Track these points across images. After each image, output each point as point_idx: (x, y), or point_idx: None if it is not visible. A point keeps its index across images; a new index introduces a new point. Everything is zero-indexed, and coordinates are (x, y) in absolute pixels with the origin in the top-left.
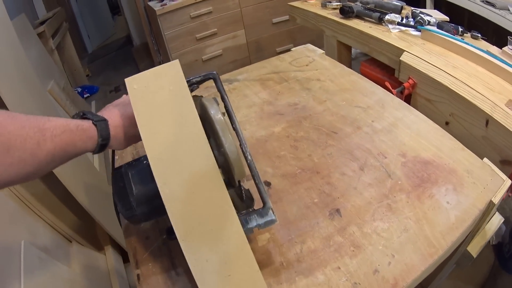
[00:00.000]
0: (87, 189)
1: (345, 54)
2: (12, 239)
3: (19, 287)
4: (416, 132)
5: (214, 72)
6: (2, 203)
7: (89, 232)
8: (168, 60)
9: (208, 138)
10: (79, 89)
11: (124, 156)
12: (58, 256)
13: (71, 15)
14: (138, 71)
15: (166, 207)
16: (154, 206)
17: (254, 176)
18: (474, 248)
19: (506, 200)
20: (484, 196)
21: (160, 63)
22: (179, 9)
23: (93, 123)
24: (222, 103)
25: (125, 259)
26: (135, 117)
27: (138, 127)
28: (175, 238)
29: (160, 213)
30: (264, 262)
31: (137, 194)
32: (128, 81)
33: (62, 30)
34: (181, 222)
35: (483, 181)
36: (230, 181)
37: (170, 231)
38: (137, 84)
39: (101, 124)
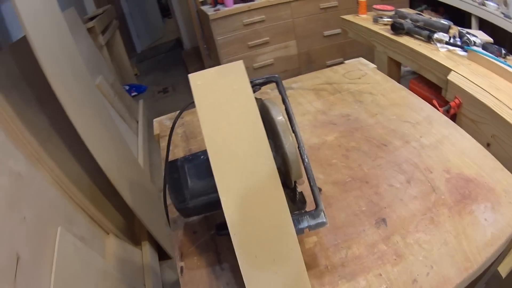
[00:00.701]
0: (131, 185)
1: (395, 70)
2: (49, 224)
3: (50, 271)
4: (460, 150)
5: (277, 75)
6: (44, 188)
7: (127, 226)
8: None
9: (267, 138)
10: (127, 87)
11: (176, 153)
12: (94, 246)
13: (120, 14)
14: (188, 74)
15: (221, 201)
16: (207, 201)
17: (310, 178)
18: (504, 269)
19: None
20: None
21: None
22: (232, 16)
23: None
24: (282, 106)
25: (161, 257)
26: (198, 113)
27: (200, 122)
28: (224, 234)
29: (211, 208)
30: (309, 264)
31: (192, 187)
32: (192, 76)
33: (112, 27)
34: (235, 217)
35: None
36: (286, 182)
37: (219, 227)
38: (201, 80)
39: None
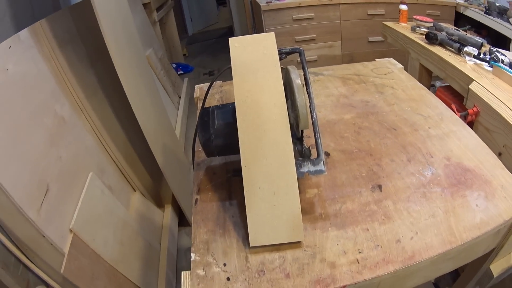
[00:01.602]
0: (164, 149)
1: (425, 78)
2: (82, 168)
3: (74, 208)
4: (464, 145)
5: (301, 48)
6: (83, 135)
7: (154, 187)
8: None
9: (286, 99)
10: (174, 65)
11: (212, 102)
12: (120, 198)
13: None
14: None
15: (239, 137)
16: (229, 142)
17: (315, 131)
18: (497, 268)
19: None
20: None
21: None
22: (283, 9)
23: None
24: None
25: (181, 223)
26: (232, 68)
27: (233, 75)
28: (238, 175)
29: (232, 150)
30: (307, 210)
31: (217, 127)
32: (232, 40)
33: (167, 7)
34: (248, 151)
35: None
36: (296, 134)
37: (236, 171)
38: (238, 43)
39: None
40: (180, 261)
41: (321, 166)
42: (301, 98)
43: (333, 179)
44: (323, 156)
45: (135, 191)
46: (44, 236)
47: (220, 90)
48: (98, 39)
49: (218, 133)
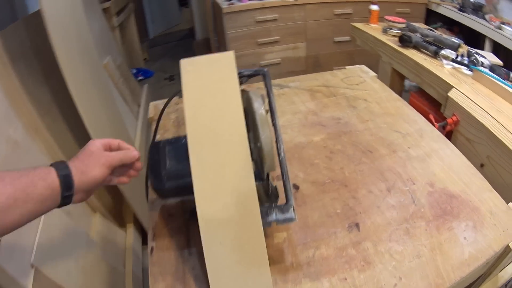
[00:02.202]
0: None
1: (397, 82)
2: None
3: (34, 240)
4: (448, 166)
5: (265, 69)
6: (38, 159)
7: (115, 207)
8: None
9: (248, 131)
10: (135, 71)
11: (166, 137)
12: (80, 222)
13: None
14: None
15: (193, 183)
16: (183, 184)
17: (283, 173)
18: None
19: None
20: (502, 239)
21: None
22: (245, 11)
23: (51, 165)
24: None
25: (144, 241)
26: (183, 97)
27: (184, 106)
28: (196, 219)
29: (187, 192)
30: (276, 258)
31: (169, 169)
32: (184, 62)
33: (127, 10)
34: (204, 202)
35: (504, 224)
36: (260, 175)
37: (193, 213)
38: (191, 66)
39: (61, 165)
40: (146, 282)
41: (290, 214)
42: (266, 135)
43: (304, 218)
44: (292, 201)
45: (95, 212)
46: (7, 275)
47: (176, 109)
48: (51, 53)
49: (170, 175)
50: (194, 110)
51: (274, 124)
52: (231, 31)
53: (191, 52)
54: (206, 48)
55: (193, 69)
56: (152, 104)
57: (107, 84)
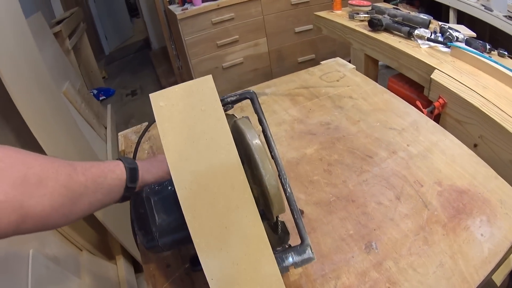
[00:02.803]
0: None
1: (372, 68)
2: (20, 247)
3: None
4: (451, 159)
5: (252, 91)
6: None
7: (100, 241)
8: (188, 66)
9: (242, 163)
10: (95, 91)
11: (141, 156)
12: (68, 265)
13: (89, 15)
14: (156, 75)
15: (195, 244)
16: (179, 238)
17: (294, 210)
18: (499, 277)
19: None
20: None
21: (179, 69)
22: (201, 14)
23: (118, 159)
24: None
25: (136, 269)
26: (161, 139)
27: (165, 151)
28: (200, 269)
29: (184, 243)
30: None
31: (160, 224)
32: (154, 97)
33: (79, 31)
34: (213, 262)
35: None
36: (266, 214)
37: (194, 261)
38: (163, 101)
39: (128, 159)
40: None
41: (308, 254)
42: (269, 175)
43: (316, 246)
44: (309, 240)
45: (81, 251)
46: None
47: (149, 137)
48: (7, 91)
49: (163, 231)
50: (178, 155)
51: (273, 156)
52: (188, 37)
53: (149, 62)
54: (164, 57)
55: (167, 104)
56: (120, 135)
57: (69, 112)
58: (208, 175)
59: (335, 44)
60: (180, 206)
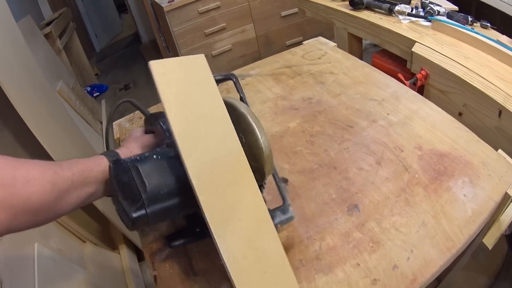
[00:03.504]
0: None
1: (356, 46)
2: (25, 242)
3: (33, 285)
4: (431, 124)
5: (234, 73)
6: None
7: (103, 232)
8: (178, 56)
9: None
10: (89, 88)
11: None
12: (72, 257)
13: (77, 14)
14: (147, 68)
15: (200, 200)
16: (167, 206)
17: (274, 173)
18: (490, 240)
19: None
20: (500, 188)
21: None
22: (187, 5)
23: (102, 154)
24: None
25: (140, 258)
26: (163, 104)
27: (167, 114)
28: (178, 244)
29: (171, 215)
30: None
31: (151, 190)
32: (154, 64)
33: (69, 30)
34: (217, 219)
35: (498, 173)
36: (256, 179)
37: (171, 238)
38: (163, 69)
39: (111, 153)
40: None
41: (290, 213)
42: (265, 137)
43: (301, 211)
44: (289, 201)
45: (85, 242)
46: None
47: (141, 124)
48: (3, 93)
49: (152, 198)
50: (184, 125)
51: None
52: (176, 28)
53: (140, 56)
54: (154, 49)
55: (168, 72)
56: (115, 124)
57: (65, 110)
58: (206, 139)
59: (322, 26)
60: (173, 173)
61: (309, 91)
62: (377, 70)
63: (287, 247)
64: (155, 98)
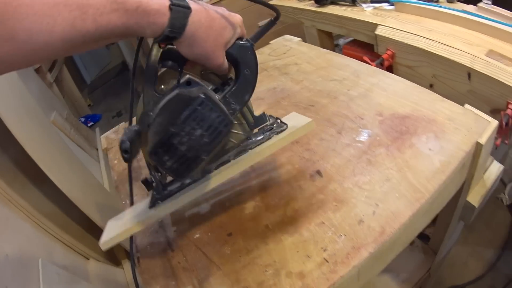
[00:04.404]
0: (100, 209)
1: (327, 41)
2: (30, 258)
3: None
4: (392, 93)
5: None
6: (20, 226)
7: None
8: None
9: None
10: (83, 119)
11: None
12: (77, 273)
13: None
14: (139, 94)
15: None
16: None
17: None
18: (475, 198)
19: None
20: (469, 138)
21: None
22: None
23: (170, 6)
24: None
25: None
26: None
27: None
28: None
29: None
30: (252, 227)
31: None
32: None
33: (58, 64)
34: None
35: (466, 125)
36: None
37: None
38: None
39: (179, 11)
40: None
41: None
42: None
43: (266, 183)
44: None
45: (88, 259)
46: None
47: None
48: (2, 123)
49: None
50: None
51: None
52: None
53: (130, 83)
54: (143, 75)
55: None
56: (102, 137)
57: (60, 138)
58: None
59: (300, 32)
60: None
61: (274, 82)
62: (339, 54)
63: (254, 216)
64: None
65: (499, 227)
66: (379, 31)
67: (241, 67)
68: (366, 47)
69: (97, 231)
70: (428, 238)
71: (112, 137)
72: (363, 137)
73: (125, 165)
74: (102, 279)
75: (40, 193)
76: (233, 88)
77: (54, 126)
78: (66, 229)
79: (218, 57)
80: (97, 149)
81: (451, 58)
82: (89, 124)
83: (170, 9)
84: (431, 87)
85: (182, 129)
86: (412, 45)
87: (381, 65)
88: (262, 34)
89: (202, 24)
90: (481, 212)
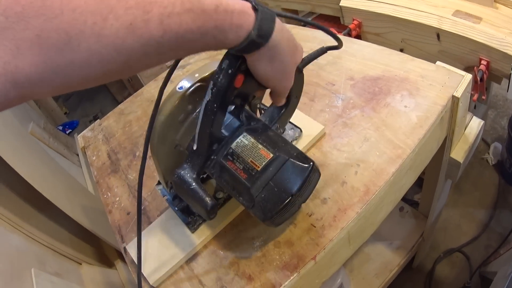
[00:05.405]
0: (86, 212)
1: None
2: (22, 268)
3: None
4: (361, 57)
5: None
6: (6, 238)
7: (96, 251)
8: (140, 84)
9: None
10: (61, 127)
11: (101, 155)
12: (70, 278)
13: None
14: (111, 94)
15: None
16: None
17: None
18: (459, 154)
19: (495, 119)
20: (445, 92)
21: (129, 81)
22: None
23: (253, 5)
24: None
25: None
26: None
27: None
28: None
29: None
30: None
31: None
32: None
33: None
34: None
35: (440, 81)
36: None
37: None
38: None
39: (265, 12)
40: None
41: None
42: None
43: None
44: None
45: (81, 264)
46: None
47: (101, 129)
48: None
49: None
50: None
51: None
52: (145, 73)
53: (103, 86)
54: (118, 80)
55: None
56: (79, 136)
57: (41, 148)
58: None
59: None
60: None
61: None
62: (306, 28)
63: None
64: None
65: (487, 187)
66: (343, 2)
67: (292, 93)
68: (333, 20)
69: (86, 235)
70: (417, 204)
71: (88, 135)
72: (337, 102)
73: (104, 159)
74: (97, 283)
75: (27, 204)
76: (283, 114)
77: (33, 137)
78: (56, 236)
79: (292, 77)
80: (77, 155)
81: (418, 20)
82: (67, 132)
83: (255, 9)
84: (401, 51)
85: (299, 196)
86: (377, 12)
87: (349, 35)
88: (310, 61)
89: (283, 35)
90: (468, 174)
